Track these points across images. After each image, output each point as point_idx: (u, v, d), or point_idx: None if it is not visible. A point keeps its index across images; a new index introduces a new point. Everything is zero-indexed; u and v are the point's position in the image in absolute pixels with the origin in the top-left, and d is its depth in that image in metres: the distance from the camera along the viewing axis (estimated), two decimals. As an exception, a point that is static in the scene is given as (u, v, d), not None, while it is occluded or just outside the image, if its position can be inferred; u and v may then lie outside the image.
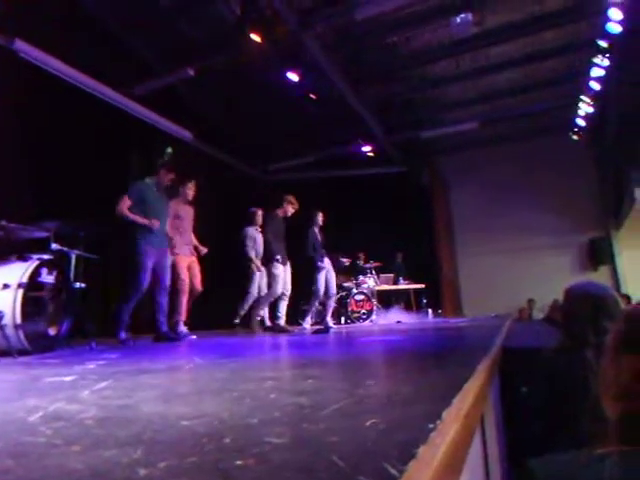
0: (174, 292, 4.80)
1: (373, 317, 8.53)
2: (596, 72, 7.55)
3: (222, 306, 7.61)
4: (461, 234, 11.86)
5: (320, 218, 6.95)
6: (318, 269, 6.50)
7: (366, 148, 10.29)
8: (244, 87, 8.88)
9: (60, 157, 5.89)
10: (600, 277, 10.40)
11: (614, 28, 6.53)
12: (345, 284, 9.10)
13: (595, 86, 7.94)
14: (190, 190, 5.37)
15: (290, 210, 6.28)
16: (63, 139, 5.93)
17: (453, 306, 11.10)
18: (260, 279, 6.28)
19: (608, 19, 6.49)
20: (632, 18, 6.58)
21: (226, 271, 9.01)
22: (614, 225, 10.24)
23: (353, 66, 8.29)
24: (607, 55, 7.04)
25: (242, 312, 6.46)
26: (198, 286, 5.27)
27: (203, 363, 2.02)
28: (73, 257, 3.81)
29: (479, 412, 1.13)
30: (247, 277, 6.43)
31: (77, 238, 3.96)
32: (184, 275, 4.99)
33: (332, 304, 7.05)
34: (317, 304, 6.95)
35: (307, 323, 6.98)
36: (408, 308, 9.87)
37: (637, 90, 7.84)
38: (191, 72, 7.31)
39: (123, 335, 4.20)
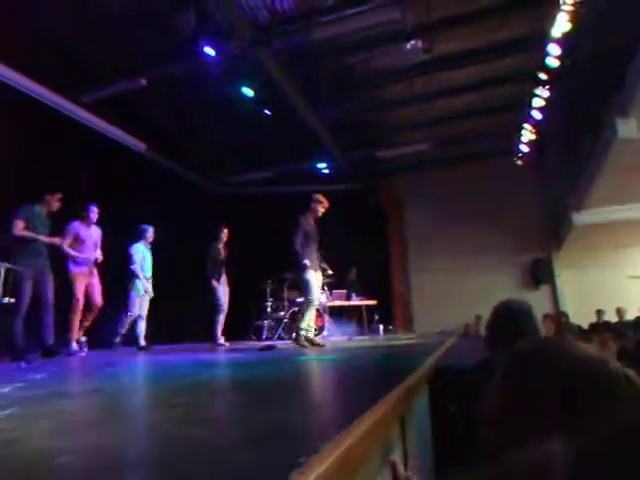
0: (69, 310, 5.13)
1: (324, 333, 8.53)
2: (537, 102, 8.02)
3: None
4: (414, 252, 12.13)
5: (224, 234, 6.94)
6: (214, 284, 6.68)
7: (322, 165, 10.40)
8: (200, 99, 8.81)
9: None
10: (541, 295, 10.91)
11: (553, 62, 6.97)
12: (298, 299, 9.07)
13: (537, 115, 8.42)
14: (93, 214, 5.64)
15: (320, 210, 5.53)
16: (3, 146, 5.66)
17: (404, 322, 11.29)
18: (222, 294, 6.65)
19: (548, 54, 6.93)
20: (569, 54, 7.07)
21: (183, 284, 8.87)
22: (554, 246, 10.80)
23: (310, 84, 8.42)
24: (547, 87, 7.50)
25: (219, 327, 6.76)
26: (97, 302, 5.49)
27: (125, 387, 1.94)
28: (2, 270, 3.61)
29: (374, 441, 1.13)
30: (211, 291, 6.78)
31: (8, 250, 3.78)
32: (80, 294, 5.25)
33: (222, 320, 6.89)
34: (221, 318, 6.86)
35: (218, 336, 6.75)
36: (360, 324, 9.94)
37: (573, 120, 8.37)
38: (143, 82, 7.18)
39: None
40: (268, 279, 9.22)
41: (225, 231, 7.07)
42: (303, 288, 5.28)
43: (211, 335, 6.84)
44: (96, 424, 1.17)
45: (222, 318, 6.88)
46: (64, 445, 0.93)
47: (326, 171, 10.63)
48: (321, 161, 10.37)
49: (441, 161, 11.37)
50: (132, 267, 6.33)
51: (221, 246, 6.95)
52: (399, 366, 2.60)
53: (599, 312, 9.43)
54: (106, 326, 6.35)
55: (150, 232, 6.62)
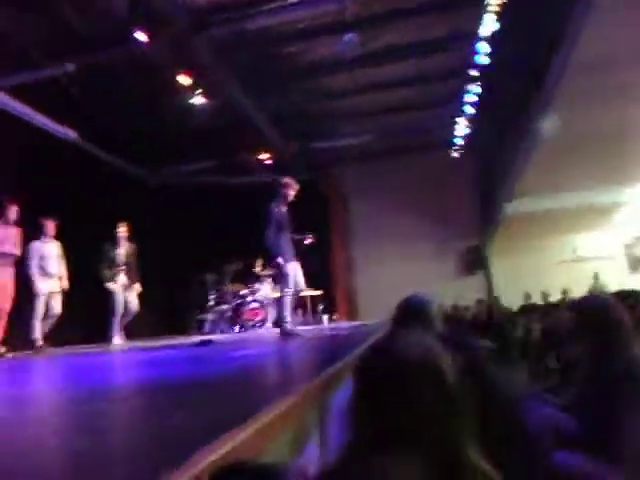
0: None
1: (268, 325, 8.55)
2: (470, 97, 8.36)
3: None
4: (358, 242, 12.34)
5: (121, 232, 6.46)
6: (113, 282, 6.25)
7: (264, 156, 10.31)
8: (136, 86, 8.46)
9: None
10: (476, 282, 11.49)
11: (482, 60, 7.28)
12: (241, 291, 9.02)
13: (470, 110, 8.79)
14: (11, 212, 5.32)
15: (291, 194, 5.38)
16: None
17: (349, 311, 11.52)
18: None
19: (478, 51, 7.22)
20: (498, 52, 7.41)
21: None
22: (488, 235, 11.39)
23: (250, 73, 8.28)
24: (478, 83, 7.83)
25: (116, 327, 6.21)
26: (5, 305, 5.18)
27: (23, 394, 1.86)
28: None
29: (274, 434, 1.17)
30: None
31: None
32: None
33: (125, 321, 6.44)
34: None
35: (116, 336, 6.22)
36: (305, 314, 10.04)
37: (502, 115, 8.82)
38: (71, 67, 6.77)
39: None
40: (211, 271, 9.07)
41: (123, 228, 6.51)
42: (280, 281, 5.27)
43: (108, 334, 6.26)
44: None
45: (123, 320, 6.36)
46: None
47: (269, 162, 10.55)
48: (263, 152, 10.28)
49: (383, 152, 11.60)
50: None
51: (120, 244, 6.46)
52: (326, 356, 2.67)
53: (526, 295, 10.08)
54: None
55: (48, 227, 5.78)
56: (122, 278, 6.34)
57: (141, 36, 6.17)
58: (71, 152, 8.22)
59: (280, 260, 5.02)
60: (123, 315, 6.29)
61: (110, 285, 6.22)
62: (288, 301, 5.14)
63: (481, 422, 1.01)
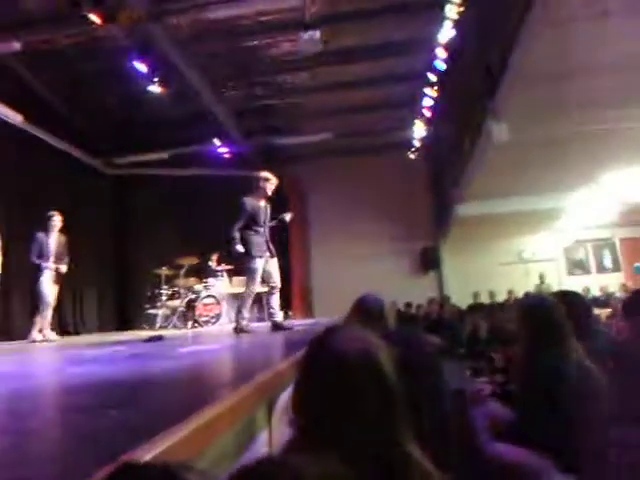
0: None
1: (222, 320, 8.44)
2: (427, 101, 8.58)
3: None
4: (315, 239, 12.40)
5: (54, 220, 6.22)
6: (41, 273, 6.04)
7: (223, 149, 10.15)
8: (89, 71, 8.11)
9: None
10: (429, 281, 11.84)
11: (440, 65, 7.49)
12: (195, 286, 8.84)
13: (427, 113, 9.02)
14: None
15: (270, 188, 5.22)
16: None
17: (304, 308, 11.55)
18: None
19: (436, 56, 7.42)
20: (455, 58, 7.65)
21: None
22: (441, 235, 11.75)
23: (209, 64, 8.13)
24: (435, 87, 8.05)
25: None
26: None
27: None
28: None
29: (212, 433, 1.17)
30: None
31: None
32: None
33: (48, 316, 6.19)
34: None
35: (35, 333, 6.04)
36: (260, 310, 9.97)
37: (457, 120, 9.12)
38: (17, 46, 6.39)
39: None
40: (163, 265, 8.82)
41: (56, 218, 6.24)
42: (247, 276, 5.03)
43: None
44: None
45: (46, 313, 6.12)
46: None
47: (227, 155, 10.39)
48: (222, 145, 10.11)
49: (342, 151, 11.69)
50: None
51: (53, 234, 6.21)
52: (275, 352, 2.68)
53: (475, 294, 10.49)
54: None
55: None
56: (51, 270, 6.07)
57: (94, 17, 5.90)
58: (17, 136, 7.79)
59: (239, 248, 4.86)
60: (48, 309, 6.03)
61: (41, 276, 5.96)
62: (250, 297, 5.02)
63: (422, 416, 1.04)
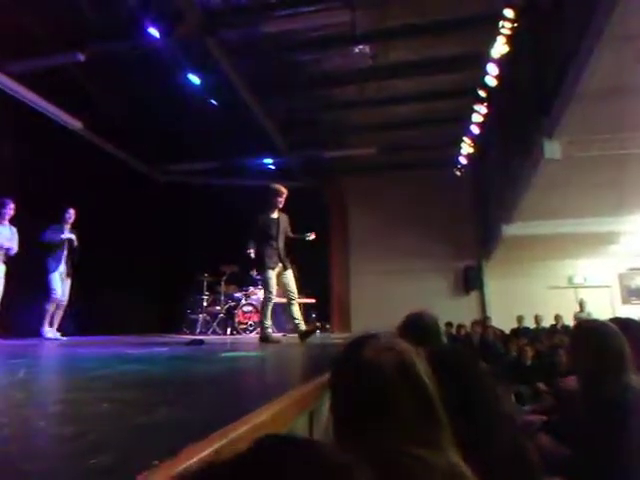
0: None
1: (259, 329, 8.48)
2: (476, 118, 8.41)
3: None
4: (355, 253, 12.34)
5: (70, 215, 6.27)
6: (48, 271, 6.07)
7: (268, 160, 10.33)
8: (145, 81, 8.47)
9: None
10: (471, 301, 11.49)
11: (491, 81, 7.34)
12: (235, 294, 8.98)
13: (475, 130, 8.84)
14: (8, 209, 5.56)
15: (280, 201, 5.40)
16: None
17: (341, 322, 11.47)
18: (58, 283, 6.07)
19: (487, 72, 7.29)
20: (507, 75, 7.49)
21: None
22: (485, 255, 11.40)
23: (260, 78, 8.33)
24: (485, 104, 7.89)
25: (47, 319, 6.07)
26: None
27: (14, 381, 1.84)
28: None
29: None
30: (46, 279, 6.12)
31: None
32: None
33: (60, 312, 6.22)
34: (51, 307, 6.08)
35: (46, 327, 6.05)
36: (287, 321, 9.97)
37: (507, 137, 8.88)
38: (81, 57, 6.78)
39: None
40: (205, 272, 9.02)
41: (71, 212, 6.30)
42: (262, 286, 5.40)
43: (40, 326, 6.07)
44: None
45: (57, 310, 6.18)
46: None
47: (272, 167, 10.57)
48: (268, 156, 10.30)
49: (386, 166, 11.65)
50: None
51: (66, 229, 6.27)
52: (317, 363, 2.65)
53: (519, 318, 10.06)
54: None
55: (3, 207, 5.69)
56: (64, 266, 6.17)
57: (154, 32, 6.20)
58: (75, 142, 8.23)
59: (251, 251, 5.18)
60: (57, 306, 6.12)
61: (50, 273, 6.06)
62: (268, 307, 5.15)
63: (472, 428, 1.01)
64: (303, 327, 5.22)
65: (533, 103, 6.96)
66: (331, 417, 0.94)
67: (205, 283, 9.08)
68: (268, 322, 5.15)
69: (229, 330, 8.61)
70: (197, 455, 0.77)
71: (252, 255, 5.25)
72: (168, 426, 0.98)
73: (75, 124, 8.25)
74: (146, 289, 10.21)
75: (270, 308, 5.19)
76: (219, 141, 9.75)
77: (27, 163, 6.94)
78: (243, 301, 8.72)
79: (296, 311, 5.18)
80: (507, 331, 10.06)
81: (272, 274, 5.09)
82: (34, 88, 7.16)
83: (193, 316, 9.14)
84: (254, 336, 8.20)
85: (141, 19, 6.20)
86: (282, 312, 9.62)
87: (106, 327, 7.70)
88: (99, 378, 1.84)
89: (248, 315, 8.65)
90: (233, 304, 8.75)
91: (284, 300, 9.12)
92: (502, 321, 10.26)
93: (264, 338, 5.08)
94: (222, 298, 8.89)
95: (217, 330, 8.72)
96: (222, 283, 8.99)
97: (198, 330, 8.75)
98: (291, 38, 7.50)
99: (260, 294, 9.05)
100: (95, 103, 8.83)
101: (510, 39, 6.29)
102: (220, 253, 9.62)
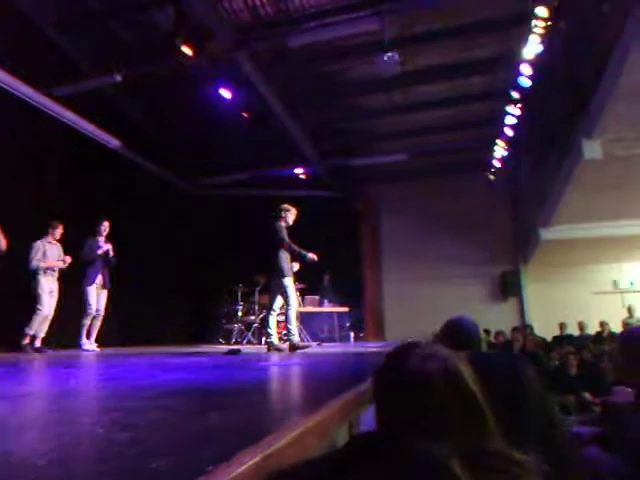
0: None
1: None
2: (510, 120, 8.23)
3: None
4: (387, 260, 12.24)
5: (104, 227, 6.44)
6: (88, 282, 6.23)
7: (299, 170, 10.42)
8: (177, 98, 8.75)
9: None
10: (509, 308, 11.16)
11: (525, 82, 7.18)
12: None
13: (509, 132, 8.65)
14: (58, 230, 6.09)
15: (291, 218, 5.81)
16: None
17: (375, 330, 11.36)
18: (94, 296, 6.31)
19: (520, 73, 7.13)
20: (541, 74, 7.30)
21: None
22: (522, 260, 11.07)
23: (289, 89, 8.45)
24: (518, 105, 7.71)
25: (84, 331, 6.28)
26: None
27: (69, 390, 1.91)
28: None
29: (306, 445, 1.16)
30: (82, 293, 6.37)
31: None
32: None
33: (97, 324, 6.35)
34: (88, 320, 6.24)
35: (84, 340, 6.23)
36: (331, 331, 9.95)
37: (543, 138, 8.64)
38: (118, 77, 7.07)
39: None
40: (239, 282, 9.15)
41: (106, 224, 6.50)
42: (283, 293, 5.38)
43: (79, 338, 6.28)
44: (20, 427, 1.15)
45: (94, 322, 6.33)
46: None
47: (303, 177, 10.65)
48: (298, 166, 10.39)
49: (418, 172, 11.54)
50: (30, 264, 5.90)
51: (102, 241, 6.45)
52: (356, 373, 2.63)
53: (562, 325, 9.70)
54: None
55: (55, 228, 6.07)
56: (100, 278, 6.38)
57: (186, 50, 6.38)
58: (114, 160, 8.55)
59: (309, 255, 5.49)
60: (94, 318, 6.31)
61: (87, 286, 6.25)
62: (292, 315, 5.36)
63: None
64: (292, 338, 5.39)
65: (570, 102, 6.76)
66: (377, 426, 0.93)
67: (239, 293, 9.19)
68: (294, 330, 5.34)
69: (264, 339, 8.66)
70: (250, 460, 0.78)
71: (304, 252, 5.49)
72: (217, 433, 1.00)
73: (113, 142, 8.57)
74: (180, 300, 10.44)
75: (294, 316, 5.40)
76: (250, 153, 9.92)
77: (69, 181, 7.25)
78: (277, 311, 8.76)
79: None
80: (548, 338, 9.71)
81: (290, 282, 5.36)
82: (76, 110, 7.50)
83: (228, 326, 9.26)
84: (303, 343, 8.21)
85: (174, 39, 6.39)
86: (309, 321, 9.66)
87: (141, 338, 7.92)
88: (145, 387, 1.88)
89: (282, 324, 8.68)
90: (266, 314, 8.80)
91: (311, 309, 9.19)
92: (543, 328, 9.92)
93: (293, 347, 5.21)
94: (256, 308, 8.97)
95: (252, 340, 8.79)
96: (256, 293, 9.07)
97: (233, 340, 8.85)
98: (320, 49, 7.57)
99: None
100: (129, 121, 9.17)
101: (544, 38, 6.14)
102: (253, 263, 9.75)
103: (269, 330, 5.47)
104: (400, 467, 0.52)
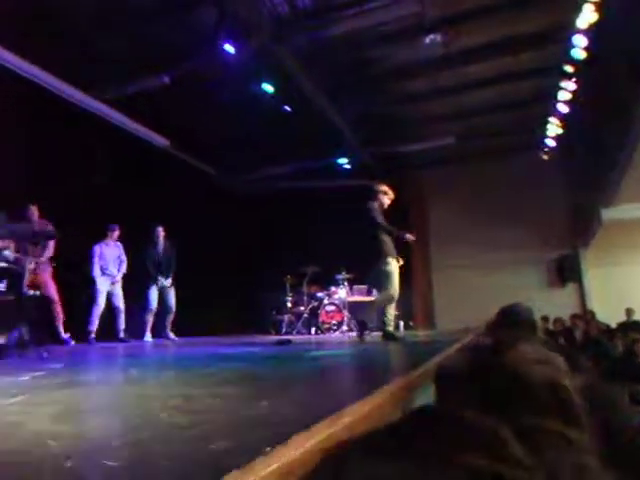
0: None
1: (344, 328, 8.57)
2: (563, 95, 7.78)
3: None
4: (436, 247, 12.00)
5: (161, 234, 7.15)
6: (148, 286, 6.89)
7: (343, 160, 10.38)
8: (221, 96, 8.91)
9: (21, 161, 5.82)
10: (567, 294, 10.65)
11: (579, 54, 6.75)
12: (318, 294, 9.15)
13: (563, 108, 8.18)
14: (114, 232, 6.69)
15: (387, 201, 5.48)
16: (27, 142, 5.87)
17: (425, 318, 11.21)
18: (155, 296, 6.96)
19: (573, 45, 6.71)
20: (596, 45, 6.84)
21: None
22: (582, 243, 10.50)
23: (330, 79, 8.40)
24: (573, 79, 7.27)
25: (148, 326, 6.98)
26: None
27: (135, 377, 2.03)
28: (28, 265, 3.78)
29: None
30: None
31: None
32: None
33: (170, 318, 7.10)
34: (150, 318, 6.97)
35: (148, 337, 6.95)
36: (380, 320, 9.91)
37: (601, 112, 8.10)
38: (166, 79, 7.31)
39: None
40: (288, 274, 9.31)
41: (160, 230, 7.19)
42: (384, 280, 4.94)
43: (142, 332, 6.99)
44: (95, 411, 1.24)
45: (167, 315, 7.08)
46: (59, 430, 1.00)
47: (347, 166, 10.61)
48: (342, 156, 10.36)
49: (465, 155, 11.19)
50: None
51: (160, 247, 7.11)
52: (405, 363, 2.62)
53: (629, 311, 9.14)
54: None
55: (113, 231, 6.74)
56: (162, 279, 6.98)
57: (229, 47, 6.50)
58: (162, 159, 8.89)
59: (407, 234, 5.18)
60: (157, 313, 6.95)
61: (150, 287, 6.91)
62: (391, 301, 4.90)
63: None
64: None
65: (630, 72, 6.29)
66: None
67: (288, 285, 9.36)
68: (389, 318, 4.85)
69: (313, 330, 8.79)
70: (306, 443, 0.81)
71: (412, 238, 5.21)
72: (272, 418, 1.03)
73: (162, 142, 8.89)
74: (230, 293, 10.76)
75: (392, 303, 4.90)
76: (294, 145, 9.97)
77: (122, 181, 7.60)
78: (325, 301, 8.87)
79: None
80: (612, 325, 9.19)
81: (395, 267, 4.92)
82: (125, 111, 7.84)
83: (278, 317, 9.46)
84: (338, 335, 8.29)
85: (218, 37, 6.53)
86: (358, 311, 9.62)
87: (198, 328, 8.24)
88: (203, 375, 1.98)
89: (331, 315, 8.77)
90: (316, 304, 8.92)
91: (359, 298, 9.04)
92: (607, 315, 9.40)
93: (387, 336, 4.76)
94: (305, 298, 9.11)
95: (301, 330, 8.95)
96: (305, 284, 9.20)
97: (284, 330, 9.04)
98: (361, 36, 7.46)
99: (341, 293, 9.12)
100: (176, 120, 9.46)
101: (599, 5, 5.74)
102: (301, 255, 9.87)
103: (385, 319, 4.87)
104: (455, 431, 0.55)
